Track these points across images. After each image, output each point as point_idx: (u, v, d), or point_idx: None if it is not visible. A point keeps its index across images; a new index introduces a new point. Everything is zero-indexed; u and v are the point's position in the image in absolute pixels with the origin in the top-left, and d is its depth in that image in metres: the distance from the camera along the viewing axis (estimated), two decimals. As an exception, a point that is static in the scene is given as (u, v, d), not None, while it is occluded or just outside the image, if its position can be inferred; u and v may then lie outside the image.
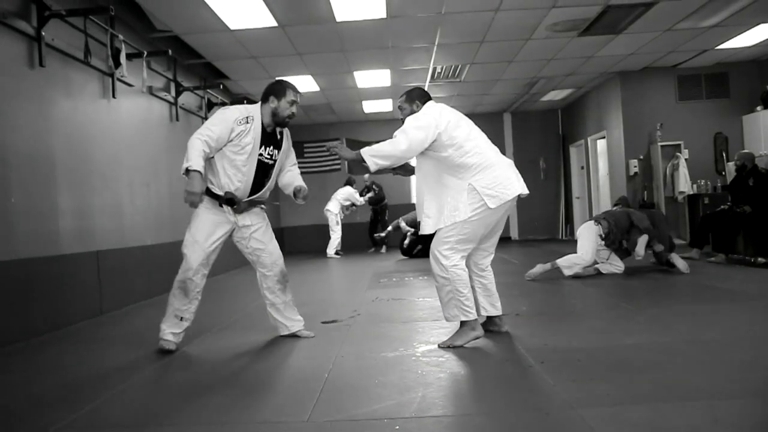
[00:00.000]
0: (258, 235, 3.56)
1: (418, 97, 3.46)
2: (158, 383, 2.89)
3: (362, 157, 3.23)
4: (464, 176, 3.17)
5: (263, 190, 3.54)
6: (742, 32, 7.61)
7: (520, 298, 4.84)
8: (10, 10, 4.05)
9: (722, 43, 8.04)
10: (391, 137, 3.26)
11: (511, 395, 2.41)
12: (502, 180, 3.17)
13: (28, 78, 4.27)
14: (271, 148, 3.49)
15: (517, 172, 3.29)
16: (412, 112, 3.40)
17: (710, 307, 4.17)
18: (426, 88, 9.88)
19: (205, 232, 3.42)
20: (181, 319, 3.45)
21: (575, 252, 5.96)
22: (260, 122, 3.41)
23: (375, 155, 3.22)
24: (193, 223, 3.45)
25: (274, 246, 3.63)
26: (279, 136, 3.54)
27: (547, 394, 2.35)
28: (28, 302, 4.08)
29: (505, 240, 12.74)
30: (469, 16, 6.45)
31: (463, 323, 3.26)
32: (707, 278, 5.48)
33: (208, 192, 3.42)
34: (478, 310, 3.37)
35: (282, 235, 12.79)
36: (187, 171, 3.18)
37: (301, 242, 12.72)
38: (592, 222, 6.08)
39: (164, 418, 2.36)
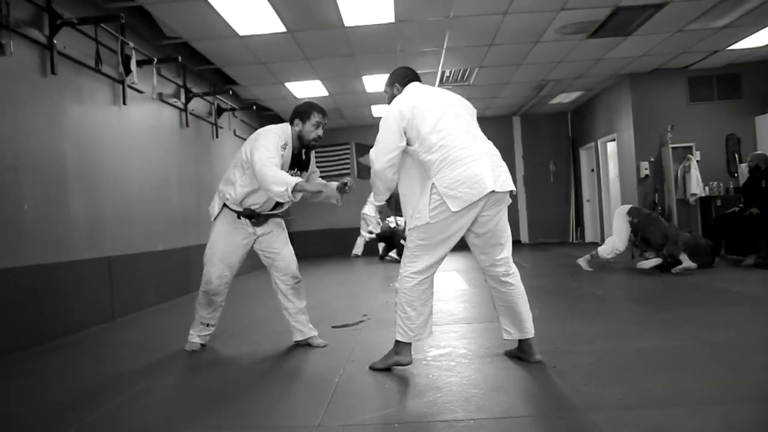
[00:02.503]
0: (273, 239, 3.62)
1: (397, 79, 3.10)
2: (170, 388, 2.90)
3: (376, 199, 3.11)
4: (431, 173, 2.76)
5: (285, 207, 3.62)
6: (753, 32, 7.54)
7: (531, 301, 4.79)
8: (22, 19, 4.09)
9: (734, 43, 7.97)
10: None
11: (522, 399, 2.39)
12: (468, 178, 2.66)
13: (40, 86, 4.31)
14: (296, 170, 3.51)
15: (498, 164, 2.78)
16: (393, 97, 3.07)
17: (723, 310, 4.13)
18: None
19: (222, 246, 3.52)
20: (207, 325, 3.67)
21: (584, 254, 6.17)
22: (291, 146, 3.43)
23: (375, 193, 3.03)
24: (212, 236, 3.56)
25: (288, 251, 3.67)
26: (305, 157, 3.57)
27: (559, 398, 2.34)
28: (40, 308, 4.12)
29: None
30: (477, 19, 6.44)
31: (396, 342, 2.89)
32: (720, 281, 5.43)
33: (225, 207, 3.51)
34: (502, 332, 2.97)
35: (292, 239, 12.80)
36: (293, 191, 3.10)
37: (311, 247, 12.71)
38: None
39: (176, 422, 2.36)
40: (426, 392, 2.51)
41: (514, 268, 2.93)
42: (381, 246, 10.65)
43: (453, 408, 2.29)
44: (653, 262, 6.28)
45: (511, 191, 2.84)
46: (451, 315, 4.39)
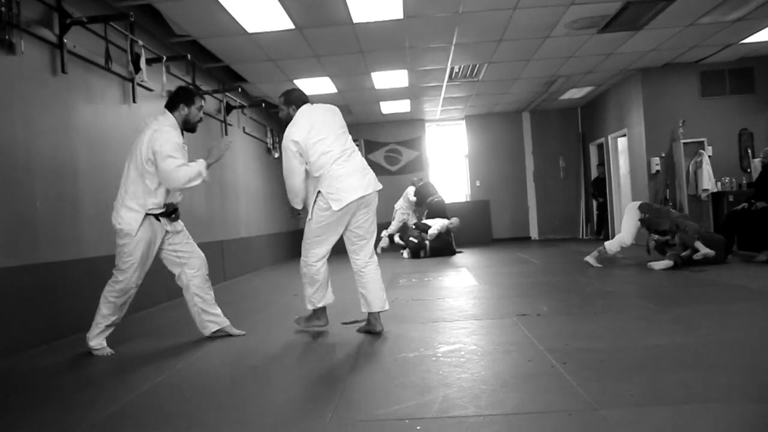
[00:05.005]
0: (184, 239, 3.77)
1: (295, 101, 3.73)
2: (181, 384, 2.92)
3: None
4: (318, 184, 3.59)
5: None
6: (767, 26, 7.46)
7: (541, 298, 4.80)
8: (33, 19, 4.12)
9: (747, 37, 7.88)
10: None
11: (532, 396, 2.38)
12: (345, 187, 3.51)
13: (50, 84, 4.34)
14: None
15: (366, 174, 3.64)
16: (288, 116, 3.73)
17: (735, 306, 4.09)
18: (444, 88, 9.91)
19: (144, 253, 3.56)
20: (112, 325, 3.65)
21: (593, 251, 6.21)
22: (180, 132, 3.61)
23: (291, 198, 3.79)
24: (130, 245, 3.50)
25: (197, 247, 3.84)
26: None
27: (570, 395, 2.32)
28: (53, 305, 4.15)
29: (524, 240, 12.66)
30: (486, 14, 6.41)
31: (314, 310, 3.83)
32: (732, 277, 5.39)
33: (147, 216, 3.54)
34: (361, 306, 3.76)
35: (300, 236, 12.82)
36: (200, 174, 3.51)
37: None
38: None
39: (187, 418, 2.38)
40: (436, 388, 2.50)
41: (374, 258, 3.76)
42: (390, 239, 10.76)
43: (463, 404, 2.29)
44: (664, 264, 6.22)
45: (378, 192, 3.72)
46: (461, 311, 4.39)
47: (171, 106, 3.61)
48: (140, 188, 3.49)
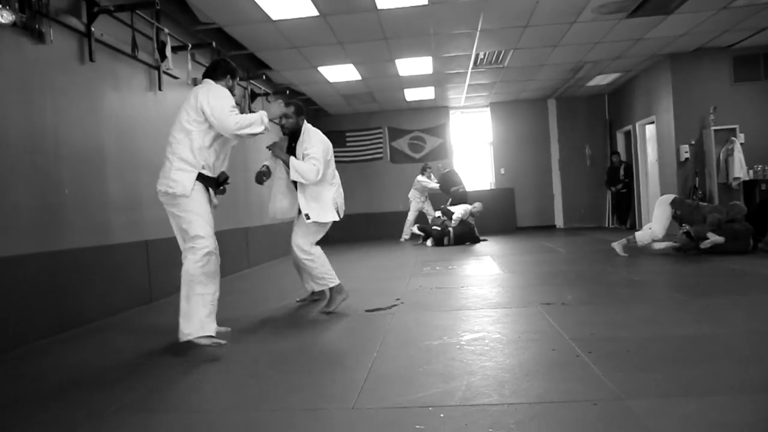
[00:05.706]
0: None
1: (304, 113, 4.27)
2: (207, 369, 2.96)
3: (288, 162, 4.07)
4: (330, 192, 4.21)
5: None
6: (803, 8, 7.22)
7: (565, 287, 4.75)
8: (61, 8, 4.18)
9: (783, 20, 7.64)
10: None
11: (557, 385, 2.37)
12: (342, 200, 4.36)
13: (78, 73, 4.40)
14: None
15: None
16: (297, 124, 4.17)
17: (764, 297, 4.00)
18: (469, 75, 9.82)
19: (208, 212, 3.37)
20: (213, 302, 3.30)
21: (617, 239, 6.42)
22: None
23: (296, 169, 4.02)
24: (193, 208, 3.30)
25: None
26: None
27: (595, 385, 2.30)
28: (81, 290, 4.24)
29: (549, 228, 12.53)
30: (512, 0, 6.32)
31: (331, 290, 4.24)
32: (761, 267, 5.27)
33: (201, 177, 3.35)
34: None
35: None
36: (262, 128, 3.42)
37: (344, 231, 12.77)
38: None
39: (212, 403, 2.41)
40: (460, 376, 2.50)
41: None
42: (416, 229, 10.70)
43: (487, 392, 2.28)
44: (665, 244, 6.45)
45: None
46: (485, 300, 4.37)
47: (215, 75, 3.49)
48: (187, 148, 3.33)
